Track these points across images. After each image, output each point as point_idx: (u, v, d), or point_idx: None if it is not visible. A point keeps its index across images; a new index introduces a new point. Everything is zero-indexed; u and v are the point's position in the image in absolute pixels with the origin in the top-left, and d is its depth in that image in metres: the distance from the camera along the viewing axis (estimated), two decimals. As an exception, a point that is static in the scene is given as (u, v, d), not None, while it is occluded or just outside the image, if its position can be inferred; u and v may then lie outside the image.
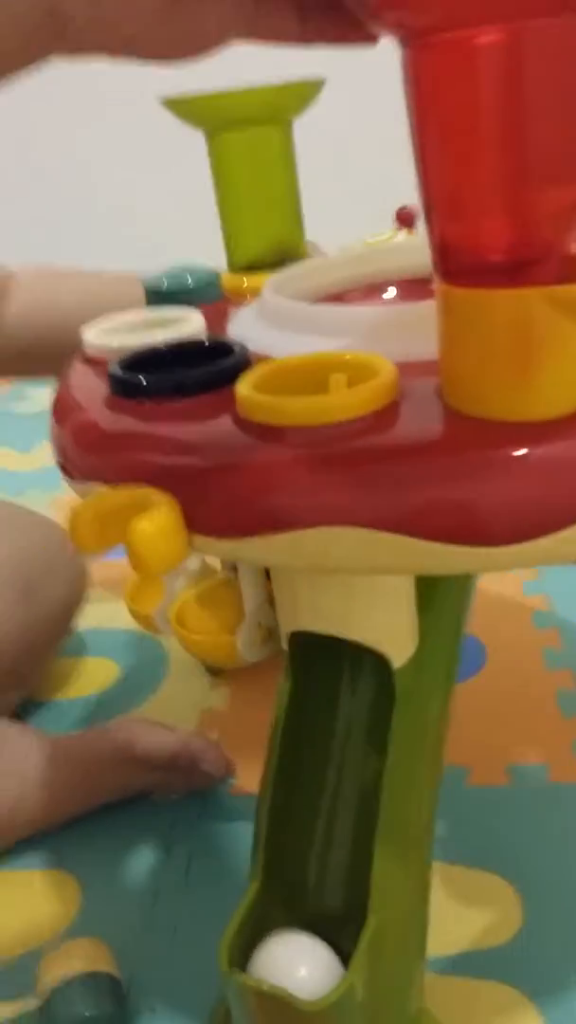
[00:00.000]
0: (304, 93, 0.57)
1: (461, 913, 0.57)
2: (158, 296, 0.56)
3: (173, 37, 0.31)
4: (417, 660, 0.40)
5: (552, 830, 0.62)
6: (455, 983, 0.52)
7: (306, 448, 0.31)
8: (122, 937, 0.56)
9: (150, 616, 0.57)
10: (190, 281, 0.57)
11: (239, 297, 0.56)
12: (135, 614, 0.60)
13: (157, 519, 0.31)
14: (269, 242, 0.60)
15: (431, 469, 0.29)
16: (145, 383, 0.38)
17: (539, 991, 0.51)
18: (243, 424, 0.33)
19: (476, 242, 0.29)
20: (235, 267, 0.62)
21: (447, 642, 0.44)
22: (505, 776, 0.67)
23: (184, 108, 0.56)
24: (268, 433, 0.32)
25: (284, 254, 0.59)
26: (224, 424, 0.34)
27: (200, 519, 0.32)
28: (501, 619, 0.87)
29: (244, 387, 0.34)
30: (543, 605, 0.88)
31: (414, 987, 0.44)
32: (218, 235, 0.62)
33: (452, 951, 0.54)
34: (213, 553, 0.33)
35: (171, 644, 0.85)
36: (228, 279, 0.59)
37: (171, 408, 0.37)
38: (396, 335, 0.37)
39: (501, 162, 0.27)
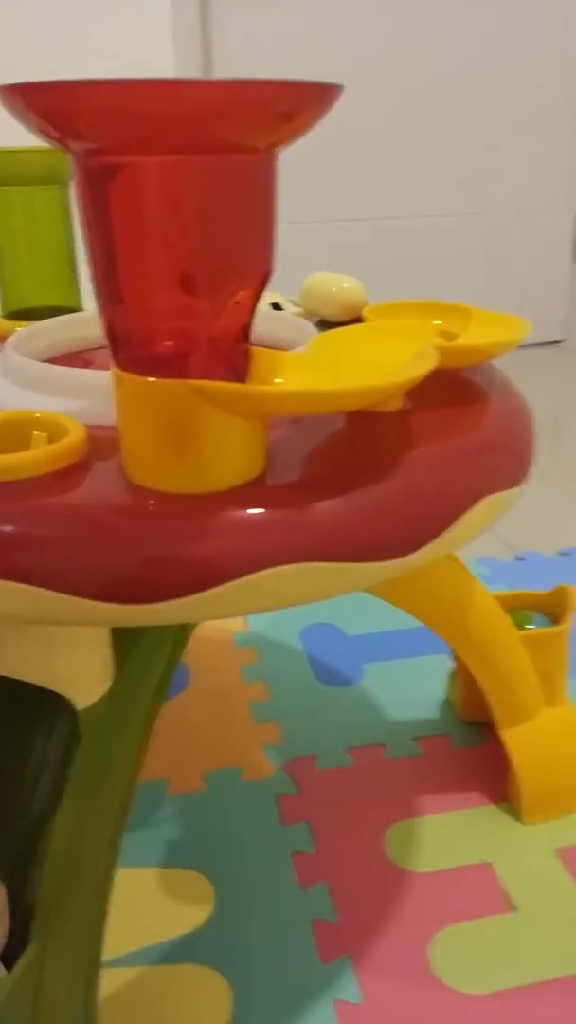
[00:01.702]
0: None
1: (159, 908, 0.62)
2: None
3: None
4: (111, 702, 0.44)
5: (242, 825, 0.69)
6: (154, 971, 0.57)
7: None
8: None
9: None
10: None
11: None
12: None
13: None
14: (42, 292, 0.62)
15: (89, 532, 0.34)
16: None
17: (229, 966, 0.58)
18: None
19: (135, 336, 0.34)
20: (6, 313, 0.63)
21: (150, 681, 0.47)
22: (202, 782, 0.74)
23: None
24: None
25: (57, 305, 0.62)
26: None
27: None
28: (205, 641, 0.94)
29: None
30: (242, 626, 0.97)
31: (81, 1017, 0.45)
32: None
33: (150, 943, 0.59)
34: None
35: None
36: None
37: None
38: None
39: (156, 268, 0.33)
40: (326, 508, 0.36)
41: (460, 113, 1.87)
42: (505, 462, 0.44)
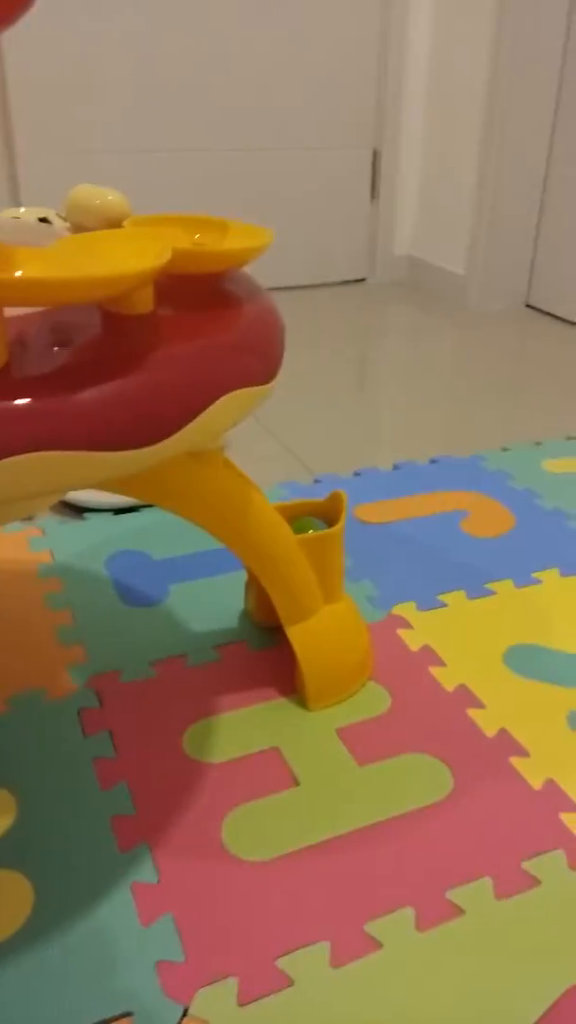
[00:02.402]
0: None
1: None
2: None
3: None
4: None
5: (46, 740, 0.70)
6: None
7: None
8: None
9: None
10: None
11: None
12: None
13: None
14: None
15: None
16: None
17: (31, 866, 0.59)
18: None
19: None
20: None
21: None
22: (5, 705, 0.74)
23: None
24: None
25: None
26: None
27: None
28: (6, 575, 0.93)
29: None
30: (47, 558, 0.96)
31: None
32: None
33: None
34: None
35: None
36: None
37: None
38: None
39: None
40: (68, 398, 0.38)
41: (266, 47, 1.87)
42: (250, 361, 0.46)
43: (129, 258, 0.41)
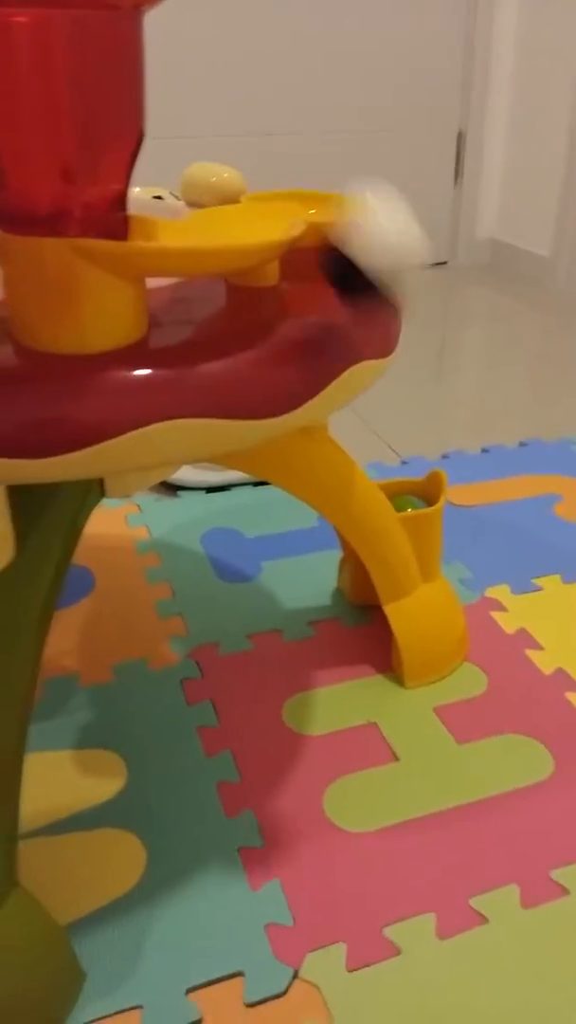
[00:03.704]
0: None
1: (75, 784, 0.64)
2: None
3: None
4: (14, 571, 0.45)
5: (150, 707, 0.72)
6: (72, 837, 0.60)
7: None
8: None
9: None
10: None
11: None
12: None
13: None
14: None
15: None
16: None
17: (142, 827, 0.61)
18: None
19: (14, 199, 0.34)
20: None
21: (51, 556, 0.48)
22: (111, 673, 0.76)
23: None
24: None
25: None
26: None
27: None
28: (107, 550, 0.95)
29: None
30: (144, 534, 0.98)
31: (1, 871, 0.46)
32: None
33: (67, 814, 0.61)
34: None
35: None
36: None
37: None
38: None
39: (37, 127, 0.33)
40: (203, 369, 0.38)
41: (354, 30, 1.85)
42: (371, 334, 0.46)
43: (264, 230, 0.41)
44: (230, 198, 0.55)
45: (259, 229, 0.42)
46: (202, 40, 1.75)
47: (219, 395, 0.38)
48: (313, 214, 0.53)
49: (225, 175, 0.56)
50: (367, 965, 0.52)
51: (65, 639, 0.80)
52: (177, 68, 1.76)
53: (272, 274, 0.45)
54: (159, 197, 0.59)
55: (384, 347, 0.47)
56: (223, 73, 1.79)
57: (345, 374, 0.44)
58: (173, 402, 0.37)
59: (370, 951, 0.53)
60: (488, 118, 2.02)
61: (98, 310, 0.35)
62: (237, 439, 0.39)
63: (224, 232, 0.42)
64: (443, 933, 0.54)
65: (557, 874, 0.58)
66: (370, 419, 1.29)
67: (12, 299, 0.36)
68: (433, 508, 0.71)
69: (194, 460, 0.40)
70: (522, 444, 1.21)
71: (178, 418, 0.37)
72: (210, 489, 1.08)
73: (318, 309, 0.44)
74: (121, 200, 0.36)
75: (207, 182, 0.55)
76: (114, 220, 0.36)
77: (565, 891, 0.56)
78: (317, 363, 0.42)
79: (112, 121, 0.34)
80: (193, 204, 0.57)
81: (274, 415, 0.40)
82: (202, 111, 1.81)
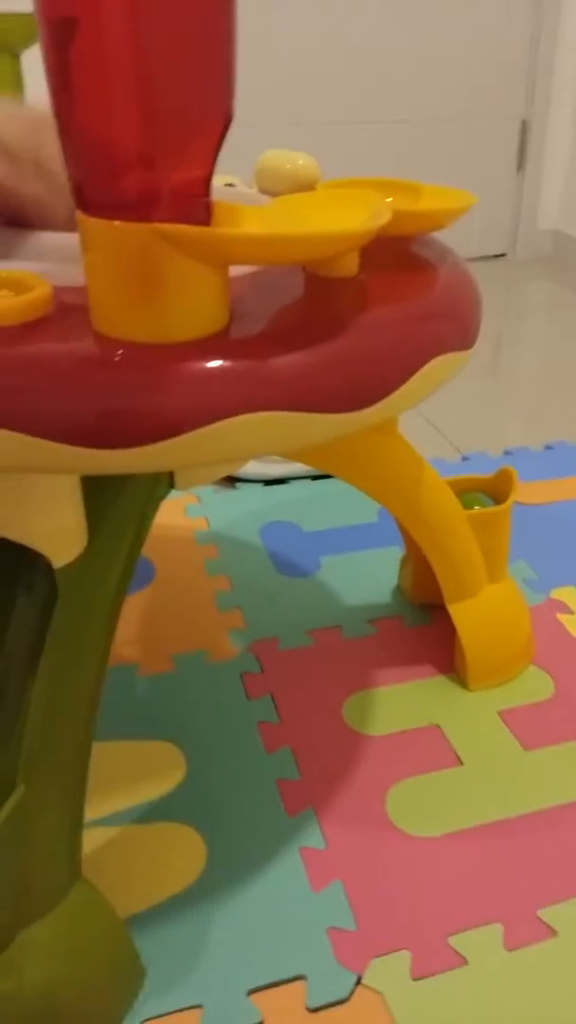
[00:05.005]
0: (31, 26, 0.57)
1: (136, 775, 0.63)
2: None
3: None
4: (86, 562, 0.44)
5: (210, 700, 0.71)
6: (134, 829, 0.59)
7: None
8: None
9: None
10: None
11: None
12: None
13: None
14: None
15: (55, 379, 0.33)
16: None
17: (203, 822, 0.60)
18: None
19: (99, 182, 0.33)
20: None
21: (124, 543, 0.47)
22: (170, 663, 0.75)
23: None
24: None
25: None
26: None
27: None
28: (167, 540, 0.94)
29: None
30: (203, 525, 0.97)
31: (67, 860, 0.46)
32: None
33: (129, 805, 0.61)
34: None
35: None
36: None
37: None
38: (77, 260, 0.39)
39: (122, 109, 0.32)
40: (286, 361, 0.36)
41: (418, 17, 1.81)
42: (452, 326, 0.44)
43: (345, 219, 0.39)
44: (305, 186, 0.54)
45: (340, 217, 0.40)
46: (277, 29, 1.73)
47: (300, 388, 0.36)
48: (391, 202, 0.51)
49: (300, 162, 0.54)
50: (432, 975, 0.50)
51: (125, 628, 0.80)
52: (251, 56, 1.74)
53: (352, 264, 0.43)
54: (231, 184, 0.58)
55: (465, 339, 0.45)
56: (294, 62, 1.77)
57: (426, 367, 0.42)
58: (255, 395, 0.35)
59: (435, 960, 0.51)
60: (553, 106, 1.96)
61: (181, 298, 0.34)
62: (318, 433, 0.38)
63: (305, 220, 0.40)
64: (510, 945, 0.52)
65: (629, 889, 0.55)
66: (430, 414, 1.27)
67: (94, 286, 0.35)
68: (502, 506, 0.69)
69: (272, 453, 0.39)
70: (587, 441, 1.17)
71: (260, 411, 0.35)
72: (268, 482, 1.07)
73: (398, 300, 0.43)
74: (206, 185, 0.34)
75: (282, 169, 0.54)
76: (198, 206, 0.35)
77: None
78: (398, 355, 0.40)
79: (203, 102, 0.32)
80: (267, 192, 0.56)
81: (355, 408, 0.38)
82: (273, 99, 1.79)
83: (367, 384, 0.39)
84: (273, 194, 0.56)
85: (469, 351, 0.47)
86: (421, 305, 0.44)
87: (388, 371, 0.40)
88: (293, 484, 1.06)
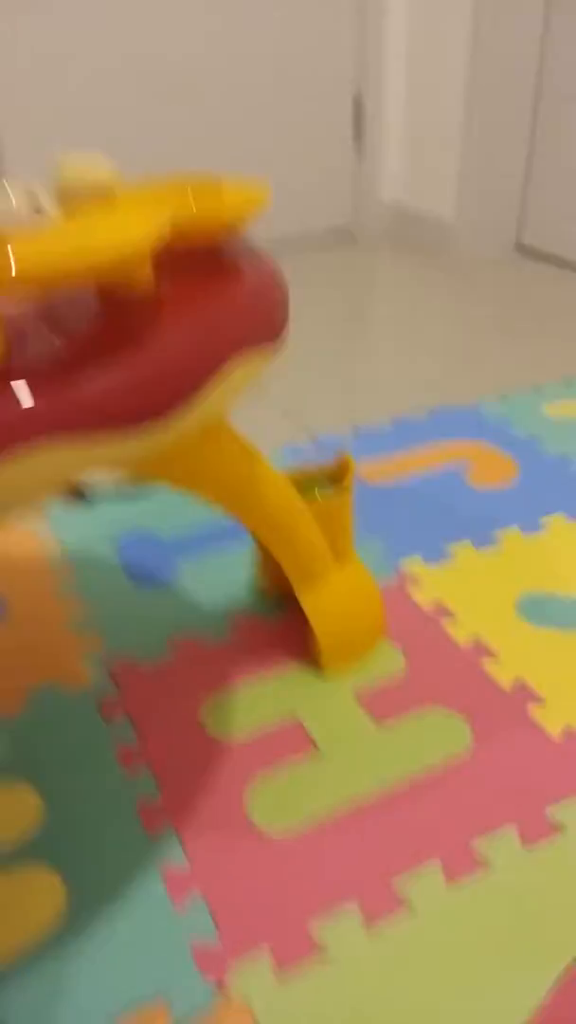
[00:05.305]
0: None
1: (-10, 822, 0.62)
2: None
3: None
4: None
5: (65, 732, 0.70)
6: (-11, 878, 0.58)
7: None
8: None
9: None
10: None
11: None
12: None
13: None
14: None
15: None
16: None
17: (62, 861, 0.59)
18: None
19: None
20: None
21: None
22: (24, 701, 0.73)
23: None
24: None
25: None
26: None
27: None
28: (18, 571, 0.92)
29: None
30: (56, 548, 0.95)
31: None
32: None
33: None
34: None
35: None
36: None
37: None
38: None
39: None
40: (71, 385, 0.36)
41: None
42: (250, 324, 0.44)
43: (120, 240, 0.38)
44: (106, 193, 0.52)
45: (122, 236, 0.40)
46: (106, 29, 1.69)
47: (91, 409, 0.36)
48: (191, 205, 0.50)
49: (94, 175, 0.52)
50: (291, 965, 0.51)
51: (-23, 669, 0.77)
52: (56, 30, 1.69)
53: (146, 280, 0.43)
54: (31, 192, 0.55)
55: (267, 333, 0.45)
56: (117, 48, 1.73)
57: (224, 367, 0.42)
58: (43, 422, 0.35)
59: (293, 950, 0.52)
60: (385, 80, 1.99)
61: None
62: (118, 451, 0.38)
63: (82, 242, 0.39)
64: (368, 923, 0.54)
65: (479, 844, 0.58)
66: (280, 400, 1.27)
67: None
68: (339, 495, 0.70)
69: (77, 476, 0.38)
70: (432, 413, 1.20)
71: (51, 434, 0.35)
72: (127, 492, 1.05)
73: (191, 306, 0.42)
74: None
75: (84, 179, 0.52)
76: None
77: (487, 861, 0.57)
78: (188, 363, 0.40)
79: None
80: (67, 200, 0.54)
81: (154, 419, 0.38)
82: (98, 82, 1.75)
83: (159, 395, 0.39)
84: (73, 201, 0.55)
85: (275, 343, 0.47)
86: (214, 307, 0.44)
87: (178, 379, 0.40)
88: (150, 491, 1.05)
